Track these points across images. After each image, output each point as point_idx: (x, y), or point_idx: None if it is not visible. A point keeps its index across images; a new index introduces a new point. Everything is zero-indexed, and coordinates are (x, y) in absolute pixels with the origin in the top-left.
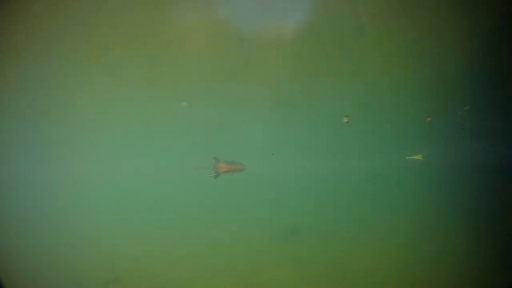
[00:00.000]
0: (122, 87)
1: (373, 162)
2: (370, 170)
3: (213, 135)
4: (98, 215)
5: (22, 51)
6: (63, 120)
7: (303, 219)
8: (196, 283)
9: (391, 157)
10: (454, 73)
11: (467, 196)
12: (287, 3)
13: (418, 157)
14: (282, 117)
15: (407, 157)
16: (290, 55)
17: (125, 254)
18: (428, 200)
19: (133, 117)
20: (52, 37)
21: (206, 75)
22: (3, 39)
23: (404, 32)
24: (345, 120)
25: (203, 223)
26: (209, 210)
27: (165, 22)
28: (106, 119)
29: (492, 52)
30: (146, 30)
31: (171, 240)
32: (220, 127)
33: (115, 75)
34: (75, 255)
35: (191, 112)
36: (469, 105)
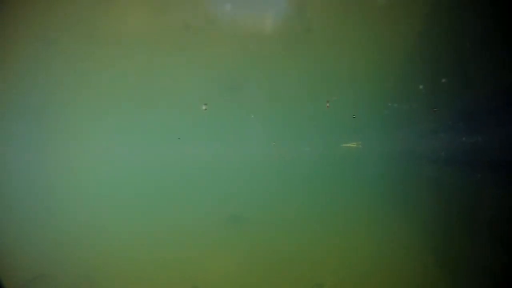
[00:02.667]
0: (121, 85)
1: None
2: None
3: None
4: (98, 212)
5: (21, 47)
6: (63, 116)
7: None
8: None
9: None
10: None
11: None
12: None
13: (354, 144)
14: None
15: (343, 144)
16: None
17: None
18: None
19: (129, 112)
20: (51, 34)
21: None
22: (3, 36)
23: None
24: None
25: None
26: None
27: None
28: (104, 116)
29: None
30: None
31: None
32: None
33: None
34: (72, 253)
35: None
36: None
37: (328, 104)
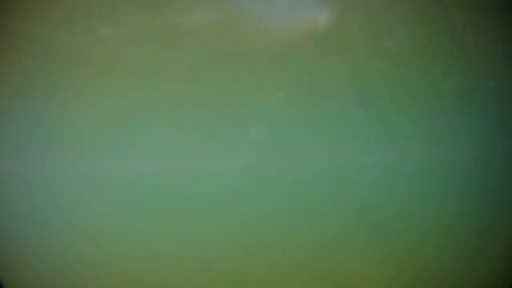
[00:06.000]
0: (122, 82)
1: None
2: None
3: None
4: (99, 214)
5: (20, 48)
6: (62, 116)
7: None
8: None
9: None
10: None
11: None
12: None
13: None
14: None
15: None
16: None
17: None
18: None
19: (133, 112)
20: (50, 34)
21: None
22: (1, 36)
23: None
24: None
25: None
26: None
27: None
28: (105, 114)
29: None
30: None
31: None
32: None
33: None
34: (76, 255)
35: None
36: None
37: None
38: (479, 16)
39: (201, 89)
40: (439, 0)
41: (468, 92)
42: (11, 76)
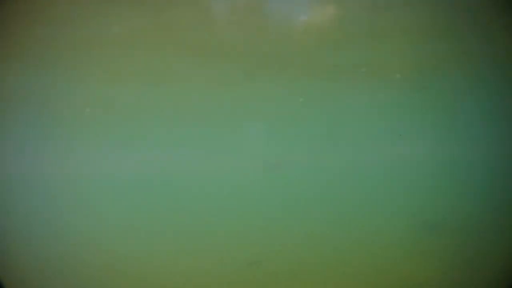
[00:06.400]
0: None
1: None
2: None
3: None
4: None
5: (21, 49)
6: (64, 115)
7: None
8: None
9: None
10: None
11: None
12: None
13: None
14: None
15: None
16: None
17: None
18: None
19: (133, 110)
20: (50, 35)
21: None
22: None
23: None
24: None
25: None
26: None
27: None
28: (106, 113)
29: None
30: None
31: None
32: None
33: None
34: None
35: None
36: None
37: None
38: None
39: (221, 87)
40: None
41: None
42: (11, 77)
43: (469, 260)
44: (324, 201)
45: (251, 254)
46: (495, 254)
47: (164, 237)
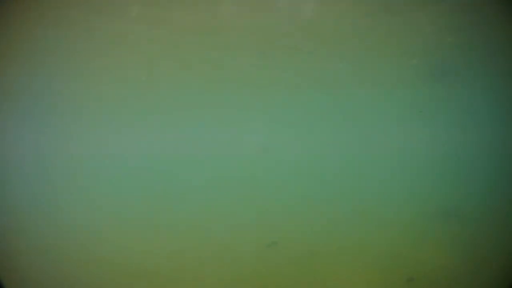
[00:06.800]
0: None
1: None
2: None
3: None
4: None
5: (19, 43)
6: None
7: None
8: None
9: None
10: None
11: None
12: None
13: None
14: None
15: None
16: None
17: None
18: None
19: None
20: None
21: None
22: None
23: None
24: None
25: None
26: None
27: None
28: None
29: None
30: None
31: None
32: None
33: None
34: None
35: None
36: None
37: None
38: None
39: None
40: None
41: None
42: (11, 71)
43: (481, 247)
44: (341, 187)
45: (269, 236)
46: (508, 241)
47: (185, 219)
